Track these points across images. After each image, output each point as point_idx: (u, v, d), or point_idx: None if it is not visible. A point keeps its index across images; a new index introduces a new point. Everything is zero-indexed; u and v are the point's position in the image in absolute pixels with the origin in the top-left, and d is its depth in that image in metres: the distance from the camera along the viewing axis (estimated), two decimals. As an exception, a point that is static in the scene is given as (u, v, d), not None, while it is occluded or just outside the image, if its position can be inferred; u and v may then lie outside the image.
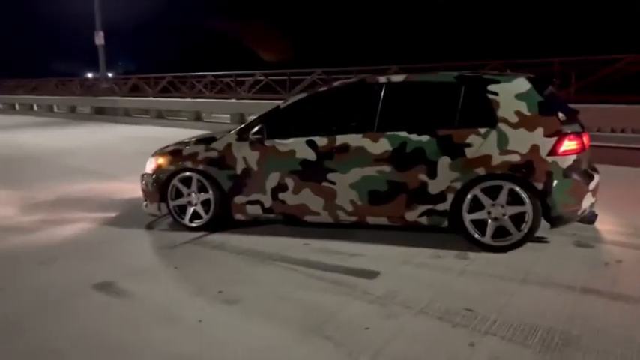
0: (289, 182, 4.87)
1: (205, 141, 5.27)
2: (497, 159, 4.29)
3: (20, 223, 5.75)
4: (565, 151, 4.25)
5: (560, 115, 4.32)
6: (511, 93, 4.40)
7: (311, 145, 4.78)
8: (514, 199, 4.31)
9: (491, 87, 4.44)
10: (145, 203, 5.49)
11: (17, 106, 26.68)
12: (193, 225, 5.25)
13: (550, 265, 4.14)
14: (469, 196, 4.42)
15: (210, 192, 5.14)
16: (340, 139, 4.71)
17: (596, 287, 3.68)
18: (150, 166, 5.43)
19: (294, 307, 3.52)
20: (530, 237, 4.37)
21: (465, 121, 4.47)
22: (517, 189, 4.28)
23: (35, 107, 25.41)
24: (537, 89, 4.41)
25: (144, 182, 5.45)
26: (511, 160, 4.26)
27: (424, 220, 4.58)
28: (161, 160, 5.36)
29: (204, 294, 3.77)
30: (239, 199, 5.07)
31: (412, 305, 3.48)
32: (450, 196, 4.45)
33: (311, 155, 4.77)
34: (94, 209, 6.21)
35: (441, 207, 4.50)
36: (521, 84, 4.44)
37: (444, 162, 4.42)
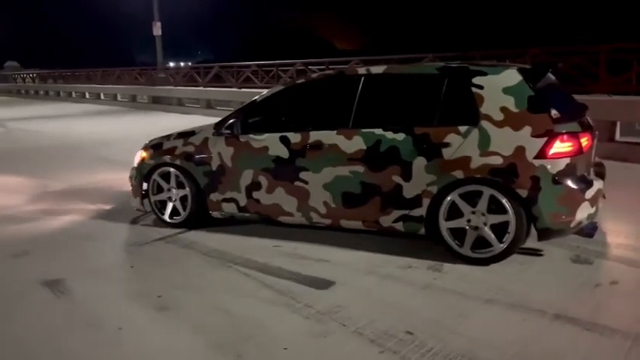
0: (263, 180, 4.60)
1: (185, 135, 5.10)
2: (477, 161, 3.82)
3: (18, 213, 5.83)
4: (556, 154, 3.70)
5: (554, 112, 3.77)
6: (498, 87, 3.89)
7: (284, 141, 4.48)
8: (496, 207, 3.83)
9: (477, 80, 3.95)
10: (132, 197, 5.40)
11: (87, 95, 27.91)
12: (173, 221, 5.10)
13: (531, 283, 3.64)
14: (446, 202, 3.97)
15: (187, 188, 4.96)
16: (314, 136, 4.38)
17: (572, 314, 3.17)
18: (136, 159, 5.33)
19: (225, 319, 3.27)
20: (513, 250, 3.87)
21: (445, 118, 4.02)
22: (499, 196, 3.79)
23: (102, 96, 26.48)
24: (530, 82, 3.87)
25: (130, 175, 5.36)
26: (492, 163, 3.77)
27: (400, 225, 4.17)
28: (144, 154, 5.25)
29: (142, 298, 3.59)
30: (215, 197, 4.86)
31: (349, 324, 3.13)
32: (426, 201, 4.02)
33: (284, 152, 4.47)
34: (95, 200, 6.22)
35: (416, 212, 4.08)
36: (511, 76, 3.92)
37: (420, 163, 3.99)
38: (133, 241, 4.79)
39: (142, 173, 5.17)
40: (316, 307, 3.35)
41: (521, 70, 3.95)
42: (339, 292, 3.59)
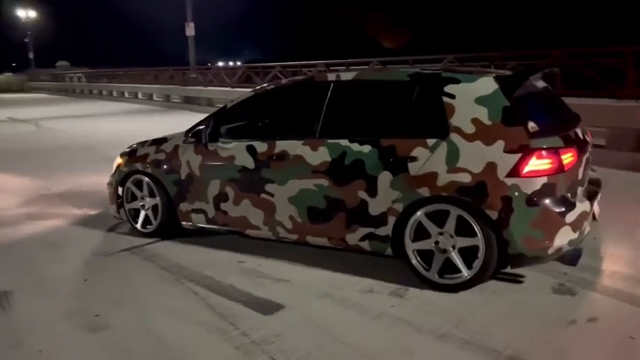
0: (229, 191, 4.37)
1: (158, 142, 4.92)
2: (444, 178, 3.46)
3: (4, 217, 5.79)
4: (531, 172, 3.30)
5: (531, 125, 3.36)
6: (470, 96, 3.52)
7: (250, 150, 4.23)
8: (464, 229, 3.46)
9: (448, 88, 3.59)
10: (109, 204, 5.27)
11: (126, 94, 28.45)
12: (145, 230, 4.93)
13: (497, 316, 3.26)
14: (412, 221, 3.63)
15: (158, 197, 4.78)
16: (279, 146, 4.11)
17: (529, 356, 2.78)
18: (114, 165, 5.19)
19: (152, 345, 3.05)
20: (483, 277, 3.49)
21: (413, 130, 3.68)
22: (467, 217, 3.43)
23: (140, 95, 26.93)
24: (506, 91, 3.48)
25: (108, 182, 5.23)
26: (460, 181, 3.41)
27: (366, 244, 3.86)
28: (120, 160, 5.10)
29: (79, 317, 3.41)
30: (184, 207, 4.66)
31: (279, 358, 2.84)
32: (392, 219, 3.69)
33: (250, 162, 4.22)
34: (84, 205, 6.14)
35: (382, 231, 3.75)
36: (485, 85, 3.54)
37: (385, 178, 3.66)
38: (99, 251, 4.64)
39: (117, 180, 5.03)
40: (252, 336, 3.08)
41: (497, 78, 3.56)
42: (284, 318, 3.31)
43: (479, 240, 3.41)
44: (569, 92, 8.76)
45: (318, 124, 4.00)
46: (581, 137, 3.76)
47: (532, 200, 3.30)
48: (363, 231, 3.82)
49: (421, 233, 3.62)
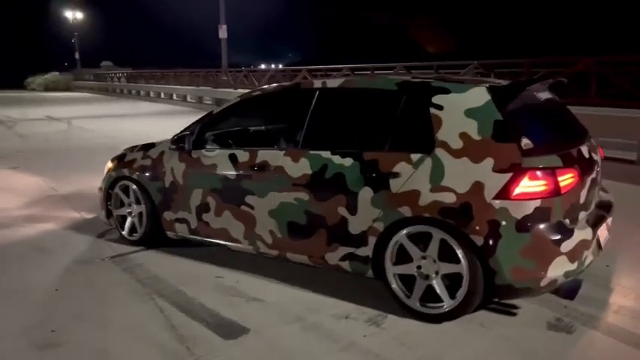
0: (211, 201, 4.16)
1: (146, 147, 4.75)
2: (427, 197, 3.15)
3: (3, 218, 5.75)
4: (522, 194, 2.96)
5: (525, 141, 3.02)
6: (460, 108, 3.20)
7: (233, 159, 4.01)
8: (449, 254, 3.14)
9: (437, 99, 3.28)
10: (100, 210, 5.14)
11: (162, 95, 28.84)
12: (132, 238, 4.78)
13: (478, 354, 2.93)
14: (393, 242, 3.33)
15: (142, 204, 4.62)
16: (261, 156, 3.88)
17: (506, 406, 2.46)
18: (105, 170, 5.06)
19: (99, 367, 2.85)
20: (467, 308, 3.16)
21: (397, 143, 3.38)
22: (450, 241, 3.11)
23: (174, 96, 27.24)
24: (500, 103, 3.15)
25: (99, 187, 5.11)
26: (443, 201, 3.09)
27: (346, 265, 3.58)
28: (110, 165, 4.96)
29: (35, 332, 3.25)
30: (168, 215, 4.48)
31: (225, 391, 2.60)
32: (372, 240, 3.40)
33: (231, 172, 4.01)
34: (82, 208, 6.06)
35: (362, 252, 3.46)
36: (477, 96, 3.21)
37: (366, 194, 3.38)
38: (82, 258, 4.50)
39: (107, 185, 4.90)
40: (204, 363, 2.85)
41: (491, 89, 3.23)
42: (246, 344, 3.06)
43: (463, 267, 3.08)
44: (604, 102, 8.25)
45: (301, 133, 3.75)
46: (587, 156, 3.38)
47: (522, 226, 2.95)
48: (344, 250, 3.54)
49: (403, 256, 3.32)
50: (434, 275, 3.22)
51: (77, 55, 49.38)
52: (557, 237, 2.99)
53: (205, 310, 3.47)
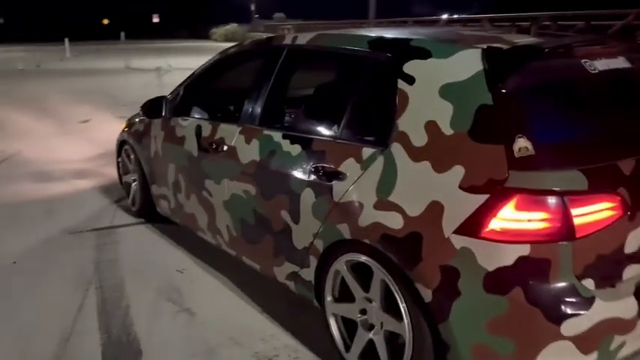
0: (181, 181, 3.49)
1: (148, 108, 4.19)
2: (369, 215, 2.10)
3: (59, 171, 5.75)
4: (500, 233, 1.77)
5: (522, 142, 1.78)
6: (436, 82, 2.04)
7: (198, 132, 3.27)
8: (391, 303, 2.09)
9: (410, 66, 2.14)
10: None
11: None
12: (133, 209, 4.35)
13: None
14: (333, 271, 2.35)
15: (135, 174, 4.12)
16: (221, 131, 3.08)
17: None
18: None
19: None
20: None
21: (352, 130, 2.34)
22: (392, 285, 2.05)
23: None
24: (496, 77, 1.92)
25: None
26: (386, 224, 2.03)
27: (292, 286, 2.68)
28: (123, 125, 4.54)
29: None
30: (155, 189, 3.93)
31: None
32: (314, 262, 2.45)
33: (194, 148, 3.27)
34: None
35: (305, 274, 2.54)
36: (464, 63, 2.00)
37: (307, 199, 2.42)
38: (73, 227, 4.17)
39: (117, 149, 4.50)
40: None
41: (491, 54, 1.98)
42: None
43: (405, 327, 2.02)
44: None
45: (260, 105, 2.84)
46: None
47: (495, 283, 1.79)
48: (289, 267, 2.64)
49: (347, 292, 2.33)
50: (378, 328, 2.19)
51: (253, 7, 51.53)
52: (558, 308, 1.76)
53: (123, 319, 2.85)
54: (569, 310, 1.75)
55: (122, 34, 50.13)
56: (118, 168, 4.53)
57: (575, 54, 2.06)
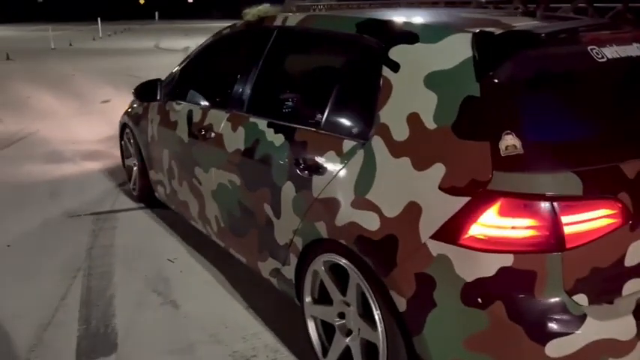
0: (174, 167, 3.38)
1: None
2: (346, 214, 1.94)
3: (71, 152, 5.74)
4: (481, 240, 1.60)
5: (509, 139, 1.59)
6: (422, 69, 1.84)
7: (189, 118, 3.15)
8: (368, 310, 1.94)
9: (396, 51, 1.95)
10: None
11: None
12: (134, 193, 4.28)
13: None
14: (311, 271, 2.20)
15: (135, 158, 4.04)
16: (210, 117, 2.94)
17: None
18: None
19: None
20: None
21: (334, 121, 2.17)
22: (366, 291, 1.90)
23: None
24: (486, 65, 1.71)
25: (124, 131, 4.66)
26: (362, 225, 1.86)
27: (275, 282, 2.55)
28: (127, 108, 4.45)
29: None
30: (152, 174, 3.84)
31: None
32: (294, 259, 2.31)
33: (185, 134, 3.15)
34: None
35: (287, 272, 2.40)
36: (452, 49, 1.80)
37: (288, 192, 2.27)
38: (74, 210, 4.13)
39: (119, 132, 4.43)
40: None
41: (481, 39, 1.78)
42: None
43: (379, 336, 1.87)
44: None
45: (248, 90, 2.69)
46: None
47: (473, 296, 1.61)
48: (272, 264, 2.51)
49: (324, 293, 2.19)
50: (356, 334, 2.04)
51: (285, -14, 51.03)
52: (543, 326, 1.57)
53: (104, 308, 2.78)
54: (555, 329, 1.56)
55: (156, 14, 50.46)
56: (122, 151, 4.46)
57: (581, 40, 1.84)
